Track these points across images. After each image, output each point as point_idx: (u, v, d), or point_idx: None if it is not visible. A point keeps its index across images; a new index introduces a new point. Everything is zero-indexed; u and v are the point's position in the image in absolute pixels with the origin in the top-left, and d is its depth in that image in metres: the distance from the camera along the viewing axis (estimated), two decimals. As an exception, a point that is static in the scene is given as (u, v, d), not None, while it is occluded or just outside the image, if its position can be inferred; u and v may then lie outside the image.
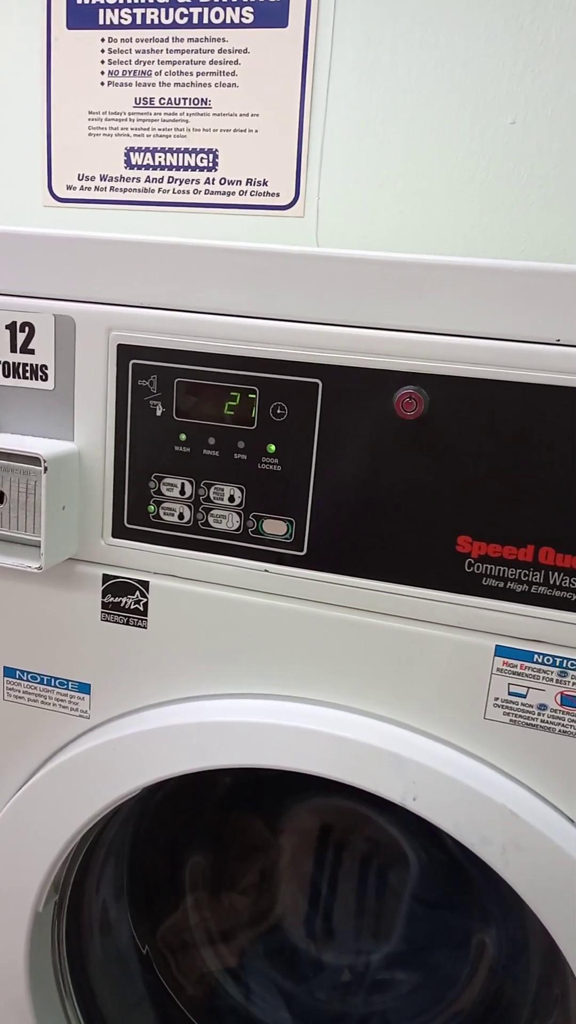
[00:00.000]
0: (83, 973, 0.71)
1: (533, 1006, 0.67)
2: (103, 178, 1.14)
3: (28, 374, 0.57)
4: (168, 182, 1.12)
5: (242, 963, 0.78)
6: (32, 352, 0.56)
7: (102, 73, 1.10)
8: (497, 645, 0.52)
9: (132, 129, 1.11)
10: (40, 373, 0.56)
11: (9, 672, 0.63)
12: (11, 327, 0.56)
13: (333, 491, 0.53)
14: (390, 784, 0.53)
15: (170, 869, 0.77)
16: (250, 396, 0.53)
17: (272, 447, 0.53)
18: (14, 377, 0.57)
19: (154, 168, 1.12)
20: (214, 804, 0.76)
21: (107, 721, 0.61)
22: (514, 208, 0.96)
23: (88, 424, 0.56)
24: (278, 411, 0.53)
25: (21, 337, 0.56)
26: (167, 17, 1.05)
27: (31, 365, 0.56)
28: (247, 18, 1.02)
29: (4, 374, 0.57)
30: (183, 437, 0.55)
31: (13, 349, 0.56)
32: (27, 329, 0.56)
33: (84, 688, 0.61)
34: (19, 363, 0.57)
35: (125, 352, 0.54)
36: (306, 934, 0.77)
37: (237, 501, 0.55)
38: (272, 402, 0.53)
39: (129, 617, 0.59)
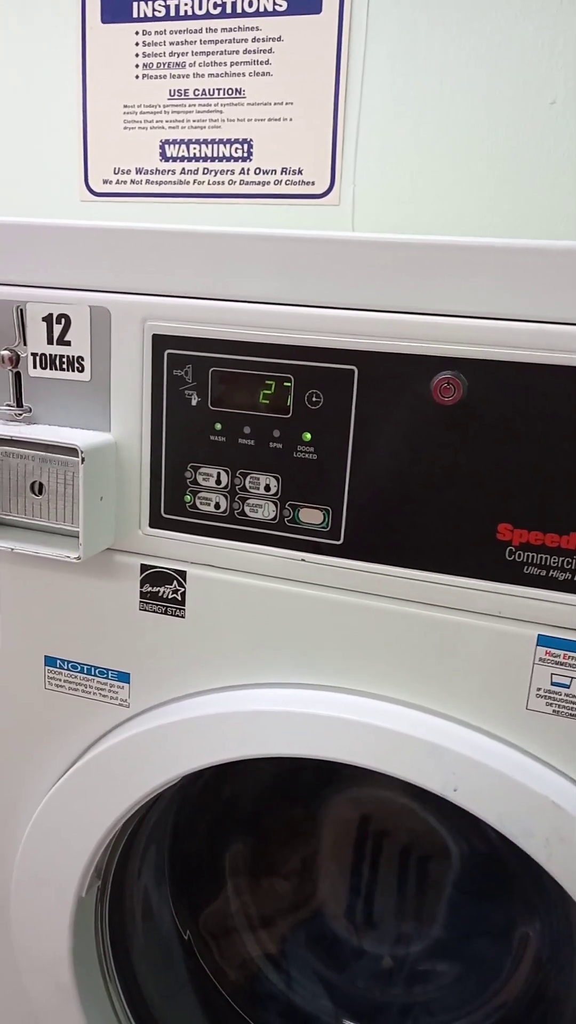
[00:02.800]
0: (126, 958, 0.72)
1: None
2: (139, 171, 1.15)
3: (65, 365, 0.57)
4: (203, 173, 1.12)
5: (283, 950, 0.78)
6: (68, 344, 0.57)
7: (136, 66, 1.10)
8: (539, 635, 0.51)
9: (167, 121, 1.11)
10: (76, 364, 0.57)
11: (50, 661, 0.63)
12: (47, 319, 0.57)
13: (370, 479, 0.52)
14: (430, 775, 0.52)
15: (211, 856, 0.78)
16: (285, 384, 0.53)
17: (308, 435, 0.53)
18: (51, 369, 0.57)
19: (189, 160, 1.12)
20: (254, 792, 0.76)
21: (147, 710, 0.61)
22: (555, 190, 0.94)
23: (124, 414, 0.57)
24: (313, 399, 0.52)
25: (57, 329, 0.56)
26: (200, 7, 1.05)
27: (67, 356, 0.57)
28: (280, 5, 1.02)
29: (41, 366, 0.58)
30: (218, 427, 0.55)
31: (50, 341, 0.57)
32: (63, 321, 0.56)
33: (124, 677, 0.62)
34: (56, 355, 0.57)
35: (160, 342, 0.54)
36: (347, 922, 0.77)
37: (273, 490, 0.55)
38: (307, 390, 0.52)
39: (167, 607, 0.59)
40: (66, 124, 1.13)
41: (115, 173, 1.16)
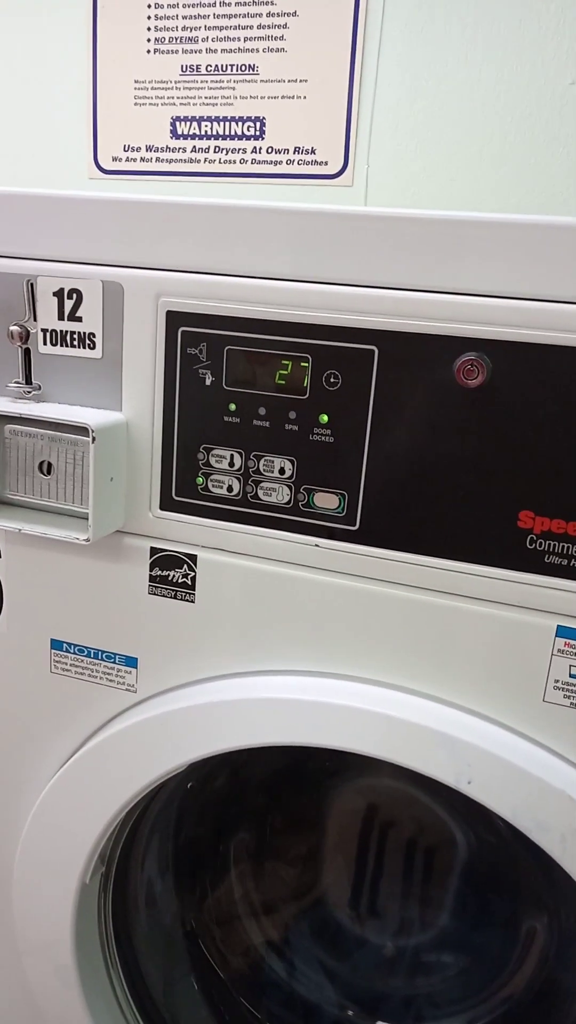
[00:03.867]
0: (128, 945, 0.72)
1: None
2: (149, 149, 1.13)
3: (76, 342, 0.56)
4: (214, 152, 1.10)
5: (286, 939, 0.78)
6: (80, 320, 0.55)
7: (148, 40, 1.08)
8: (559, 625, 0.50)
9: (178, 98, 1.09)
10: (88, 341, 0.55)
11: (56, 644, 0.62)
12: (59, 294, 0.55)
13: (388, 463, 0.51)
14: (444, 766, 0.51)
15: (215, 844, 0.77)
16: (302, 364, 0.51)
17: (325, 417, 0.52)
18: (62, 345, 0.56)
19: (200, 138, 1.10)
20: (260, 781, 0.75)
21: (154, 695, 0.60)
22: (572, 172, 0.92)
23: (136, 393, 0.55)
24: (331, 380, 0.51)
25: (69, 304, 0.55)
26: (214, -20, 1.02)
27: (79, 333, 0.55)
28: (297, -21, 0.99)
29: (52, 342, 0.56)
30: (233, 407, 0.53)
31: (61, 317, 0.55)
32: (75, 296, 0.55)
33: (131, 662, 0.60)
34: (67, 331, 0.56)
35: (174, 319, 0.53)
36: (351, 912, 0.77)
37: (288, 474, 0.53)
38: (325, 370, 0.51)
39: (177, 591, 0.58)
40: (76, 99, 1.11)
41: (124, 150, 1.14)
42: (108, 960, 0.69)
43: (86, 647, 0.62)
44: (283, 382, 0.52)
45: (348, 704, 0.53)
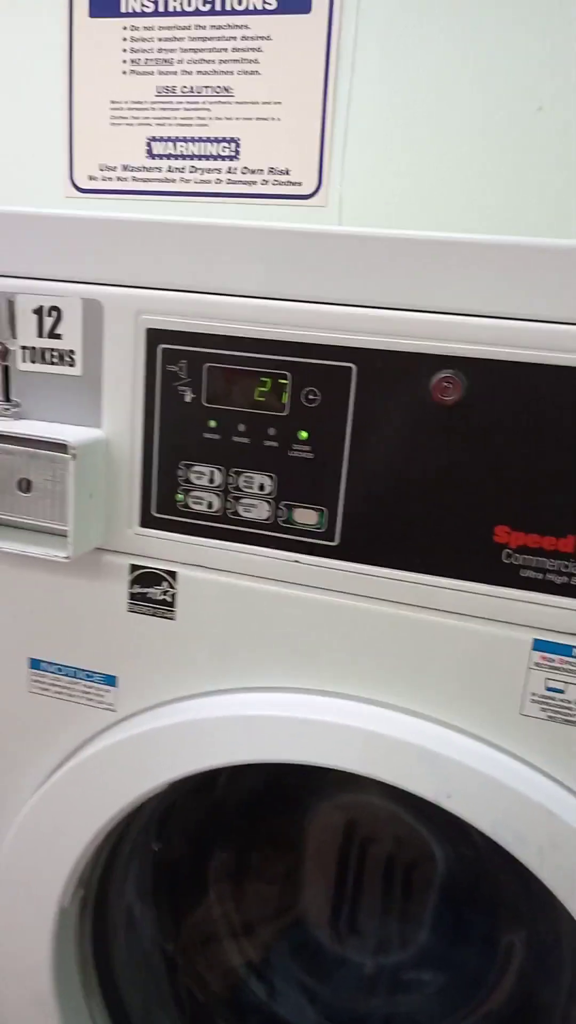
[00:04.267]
0: (108, 970, 0.71)
1: (567, 1005, 0.65)
2: (125, 168, 1.13)
3: (55, 359, 0.56)
4: (190, 172, 1.11)
5: (266, 960, 0.77)
6: (59, 337, 0.55)
7: (124, 62, 1.09)
8: (535, 639, 0.51)
9: (154, 118, 1.10)
10: (67, 359, 0.55)
11: (35, 664, 0.62)
12: (38, 311, 0.55)
13: (367, 479, 0.51)
14: (424, 781, 0.51)
15: (195, 864, 0.76)
16: (281, 381, 0.52)
17: (304, 434, 0.52)
18: (41, 363, 0.56)
19: (176, 158, 1.11)
20: (240, 800, 0.75)
21: (134, 714, 0.60)
22: (543, 195, 0.95)
23: (116, 410, 0.55)
24: (310, 396, 0.51)
25: (48, 322, 0.55)
26: (189, 4, 1.04)
27: (58, 351, 0.55)
28: (270, 4, 1.01)
29: (31, 360, 0.56)
30: (213, 424, 0.54)
31: (40, 334, 0.55)
32: (54, 314, 0.55)
33: (110, 680, 0.60)
34: (46, 348, 0.56)
35: (154, 336, 0.53)
36: (331, 931, 0.76)
37: (267, 490, 0.54)
38: (304, 387, 0.51)
39: (156, 608, 0.58)
40: (52, 119, 1.11)
41: (101, 170, 1.14)
42: (87, 986, 0.68)
43: (65, 666, 0.61)
44: (262, 399, 0.52)
45: (329, 720, 0.53)
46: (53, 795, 0.60)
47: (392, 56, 0.96)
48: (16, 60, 1.09)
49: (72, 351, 0.55)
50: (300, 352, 0.51)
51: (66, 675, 0.61)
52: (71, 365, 0.55)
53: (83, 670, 0.61)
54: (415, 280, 0.48)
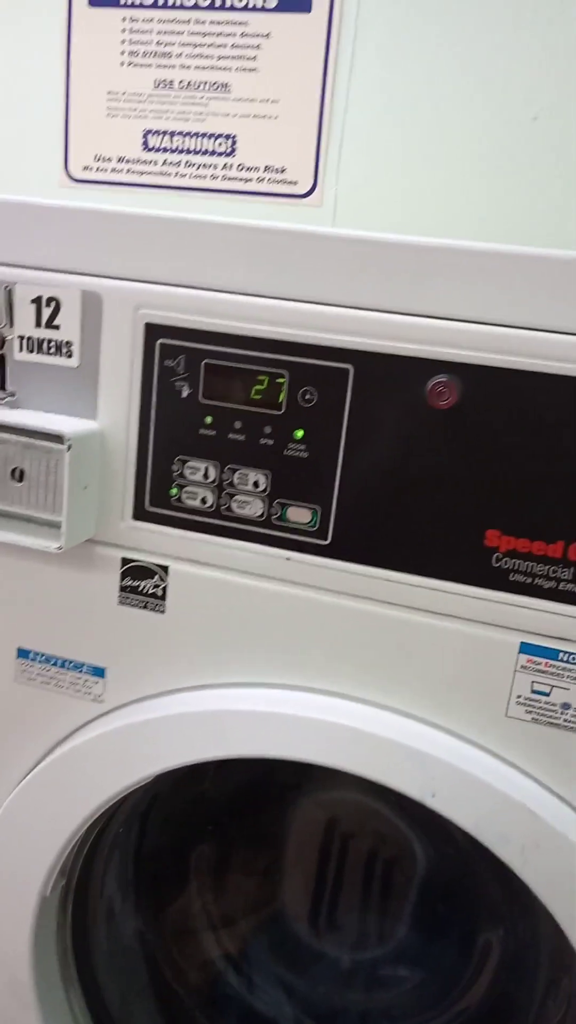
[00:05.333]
0: (87, 959, 0.71)
1: (541, 1005, 0.66)
2: (120, 160, 1.13)
3: (52, 350, 0.56)
4: (185, 166, 1.10)
5: (244, 953, 0.78)
6: (57, 328, 0.55)
7: (122, 53, 1.08)
8: (522, 642, 0.52)
9: (151, 111, 1.10)
10: (64, 350, 0.55)
11: (23, 653, 0.62)
12: (36, 301, 0.55)
13: (360, 480, 0.52)
14: (410, 780, 0.52)
15: (176, 857, 0.77)
16: (278, 380, 0.52)
17: (299, 433, 0.52)
18: (38, 352, 0.56)
19: (172, 151, 1.11)
20: (224, 793, 0.75)
21: (121, 706, 0.60)
22: (536, 202, 0.96)
23: (112, 403, 0.55)
24: (307, 396, 0.52)
25: (46, 312, 0.55)
26: (190, -1, 1.04)
27: (55, 341, 0.55)
28: (270, 2, 1.01)
29: (28, 349, 0.56)
30: (209, 420, 0.54)
31: (38, 324, 0.55)
32: (52, 304, 0.55)
33: (99, 672, 0.60)
34: (43, 339, 0.56)
35: (153, 331, 0.53)
36: (310, 926, 0.77)
37: (261, 487, 0.54)
38: (301, 387, 0.52)
39: (147, 601, 0.58)
40: (48, 108, 1.11)
41: (96, 160, 1.14)
42: (65, 976, 0.68)
43: (53, 656, 0.61)
44: (259, 397, 0.53)
45: (316, 717, 0.54)
46: (39, 784, 0.60)
47: (390, 59, 0.96)
48: (14, 47, 1.09)
49: (70, 342, 0.55)
50: (298, 352, 0.51)
51: (55, 665, 0.61)
52: (68, 356, 0.55)
53: (72, 661, 0.61)
54: (413, 285, 0.49)
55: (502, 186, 0.96)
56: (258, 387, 0.52)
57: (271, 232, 0.50)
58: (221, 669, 0.58)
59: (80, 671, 0.61)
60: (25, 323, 0.56)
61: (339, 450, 0.52)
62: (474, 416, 0.49)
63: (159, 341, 0.53)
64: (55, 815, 0.60)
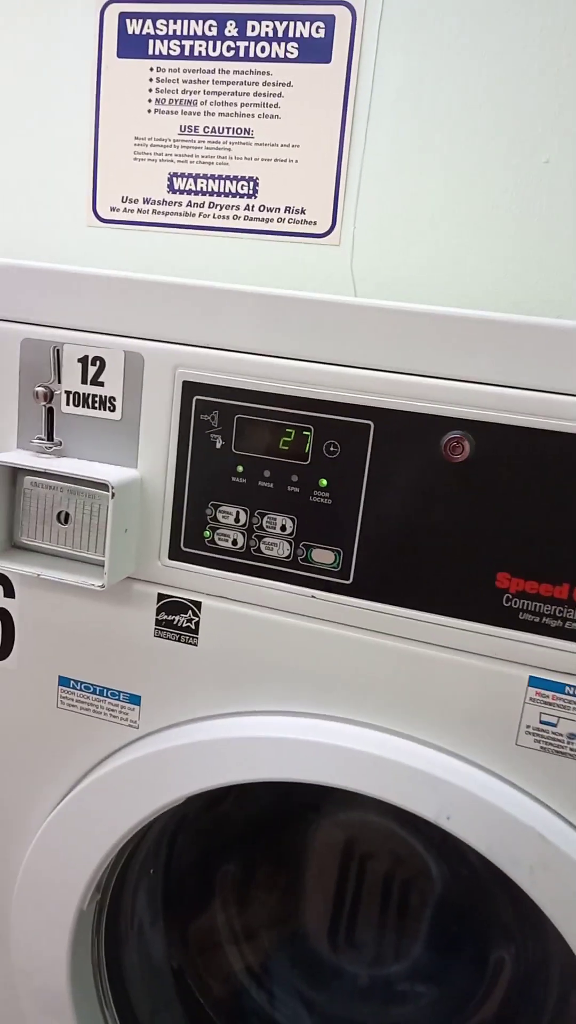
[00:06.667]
0: (118, 971, 0.75)
1: (552, 1018, 0.70)
2: (146, 201, 1.18)
3: (97, 404, 0.61)
4: (209, 207, 1.16)
5: (266, 969, 0.81)
6: (102, 384, 0.60)
7: (149, 101, 1.14)
8: (531, 676, 0.56)
9: (176, 155, 1.15)
10: (108, 404, 0.60)
11: (64, 681, 0.66)
12: (83, 360, 0.60)
13: (380, 525, 0.56)
14: (426, 803, 0.56)
15: (201, 875, 0.81)
16: (305, 433, 0.57)
17: (324, 482, 0.57)
18: (83, 407, 0.61)
19: (196, 193, 1.16)
20: (248, 815, 0.79)
21: (155, 731, 0.64)
22: (548, 243, 1.00)
23: (151, 453, 0.60)
24: (331, 448, 0.56)
25: (92, 370, 0.60)
26: (215, 50, 1.09)
27: (100, 396, 0.60)
28: (292, 53, 1.06)
29: (74, 403, 0.61)
30: (240, 469, 0.59)
31: (84, 381, 0.60)
32: (98, 363, 0.60)
33: (135, 699, 0.65)
34: (89, 394, 0.61)
35: (190, 388, 0.58)
36: (329, 944, 0.80)
37: (288, 531, 0.59)
38: (326, 440, 0.56)
39: (181, 634, 0.63)
40: (78, 153, 1.16)
41: (123, 202, 1.19)
42: (99, 985, 0.72)
43: (92, 684, 0.66)
44: (287, 448, 0.57)
45: (339, 744, 0.58)
46: (78, 803, 0.65)
47: (407, 107, 1.01)
48: (46, 94, 1.14)
49: (113, 397, 0.60)
50: (323, 409, 0.56)
51: (93, 693, 0.66)
52: (112, 410, 0.60)
53: (109, 689, 0.65)
54: (430, 349, 0.53)
55: (514, 228, 1.00)
56: (286, 439, 0.57)
57: (298, 301, 0.55)
58: (249, 698, 0.62)
59: (117, 699, 0.65)
60: (72, 379, 0.61)
61: (360, 497, 0.56)
62: (486, 469, 0.53)
63: (195, 397, 0.58)
64: (93, 832, 0.65)
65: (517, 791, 0.56)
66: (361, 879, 0.78)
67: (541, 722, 0.56)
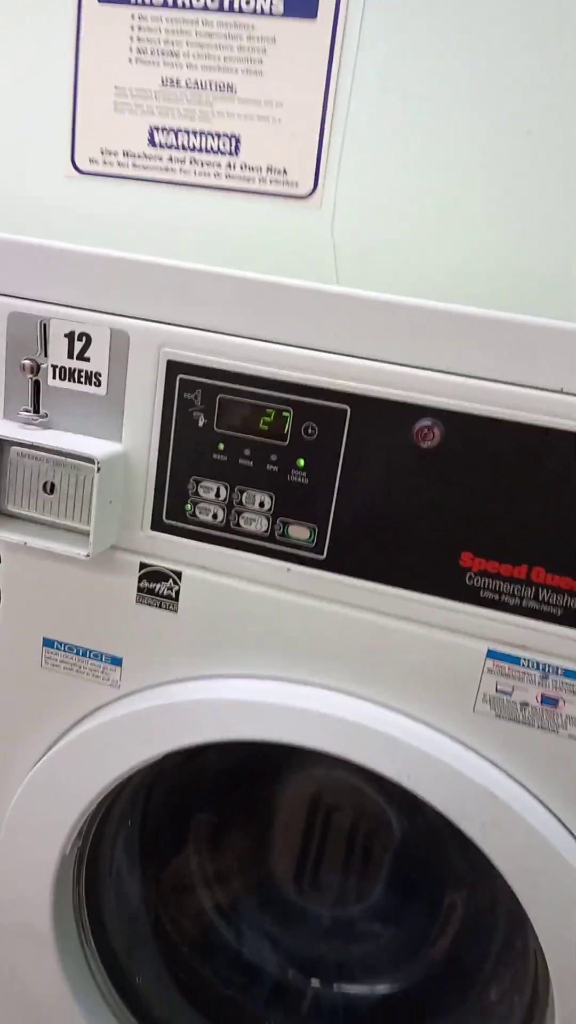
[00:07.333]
0: (98, 913, 0.80)
1: (496, 959, 0.76)
2: (126, 154, 1.17)
3: (82, 379, 0.62)
4: (190, 163, 1.15)
5: (236, 909, 0.87)
6: (87, 360, 0.62)
7: (131, 50, 1.12)
8: (489, 649, 0.60)
9: (157, 108, 1.13)
10: (94, 379, 0.62)
11: (48, 642, 0.69)
12: (69, 336, 0.62)
13: (353, 504, 0.59)
14: (388, 763, 0.60)
15: (176, 824, 0.85)
16: (284, 415, 0.59)
17: (301, 461, 0.60)
18: (69, 381, 0.63)
19: (177, 148, 1.15)
20: (222, 771, 0.83)
21: (136, 691, 0.68)
22: (526, 214, 1.01)
23: (135, 428, 0.62)
24: (309, 430, 0.59)
25: (78, 346, 0.62)
26: (198, 0, 1.07)
27: (86, 371, 0.62)
28: (277, 7, 1.05)
29: (60, 377, 0.63)
30: (221, 446, 0.61)
31: (70, 356, 0.62)
32: (84, 339, 0.61)
33: (116, 661, 0.68)
34: (75, 368, 0.62)
35: (174, 367, 0.60)
36: (295, 887, 0.86)
37: (266, 507, 0.61)
38: (304, 422, 0.59)
39: (161, 601, 0.66)
40: (56, 100, 1.14)
41: (102, 153, 1.18)
42: (79, 925, 0.77)
43: (75, 646, 0.69)
44: (267, 428, 0.60)
45: (310, 708, 0.62)
46: (61, 757, 0.68)
47: (392, 70, 1.00)
48: (24, 42, 1.11)
49: (99, 373, 0.62)
50: (302, 392, 0.58)
51: (76, 654, 0.69)
52: (97, 385, 0.62)
53: (92, 650, 0.69)
54: (406, 339, 0.56)
55: (498, 198, 1.01)
56: (266, 420, 0.60)
57: (281, 287, 0.57)
58: (225, 662, 0.66)
59: (99, 660, 0.68)
60: (58, 354, 0.62)
61: (336, 478, 0.59)
62: (454, 456, 0.57)
63: (179, 376, 0.60)
64: (76, 784, 0.68)
65: (473, 754, 0.61)
66: (327, 828, 0.84)
67: (497, 691, 0.60)
